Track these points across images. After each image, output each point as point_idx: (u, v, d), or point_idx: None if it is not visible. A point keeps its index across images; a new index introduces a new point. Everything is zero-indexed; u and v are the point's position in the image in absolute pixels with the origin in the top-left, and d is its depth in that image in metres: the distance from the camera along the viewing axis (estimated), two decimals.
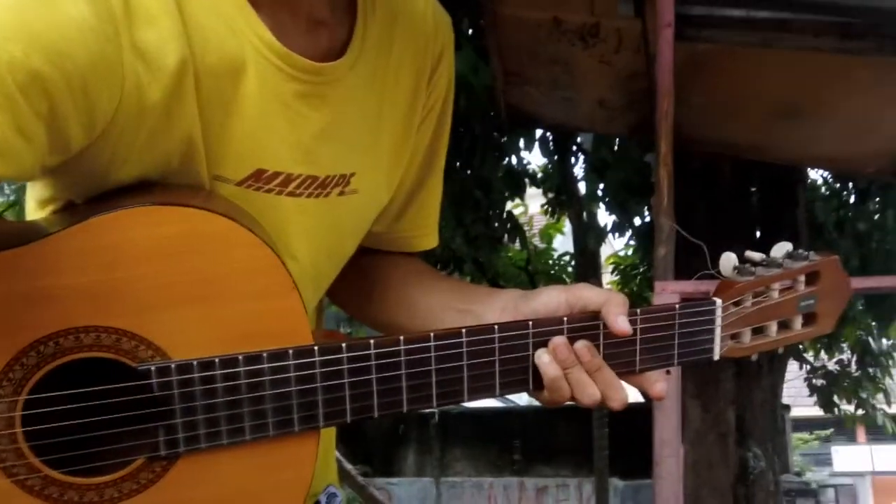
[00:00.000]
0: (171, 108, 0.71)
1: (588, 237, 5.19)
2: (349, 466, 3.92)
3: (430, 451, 6.81)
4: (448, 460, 6.85)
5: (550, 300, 0.85)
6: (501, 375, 0.82)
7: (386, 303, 0.97)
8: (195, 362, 0.70)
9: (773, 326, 0.88)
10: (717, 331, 0.86)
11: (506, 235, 5.30)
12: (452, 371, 0.80)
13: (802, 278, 0.88)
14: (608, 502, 5.45)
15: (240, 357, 0.72)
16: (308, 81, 0.79)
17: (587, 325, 0.83)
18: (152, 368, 0.69)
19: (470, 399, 0.82)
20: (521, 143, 4.85)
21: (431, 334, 0.79)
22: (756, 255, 0.88)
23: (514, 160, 5.07)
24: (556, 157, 5.09)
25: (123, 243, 0.67)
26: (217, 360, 0.71)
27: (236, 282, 0.71)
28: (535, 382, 0.82)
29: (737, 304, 0.85)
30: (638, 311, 0.83)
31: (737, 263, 0.87)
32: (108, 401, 0.68)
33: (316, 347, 0.74)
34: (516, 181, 5.02)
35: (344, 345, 0.76)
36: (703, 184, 3.98)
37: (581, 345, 0.81)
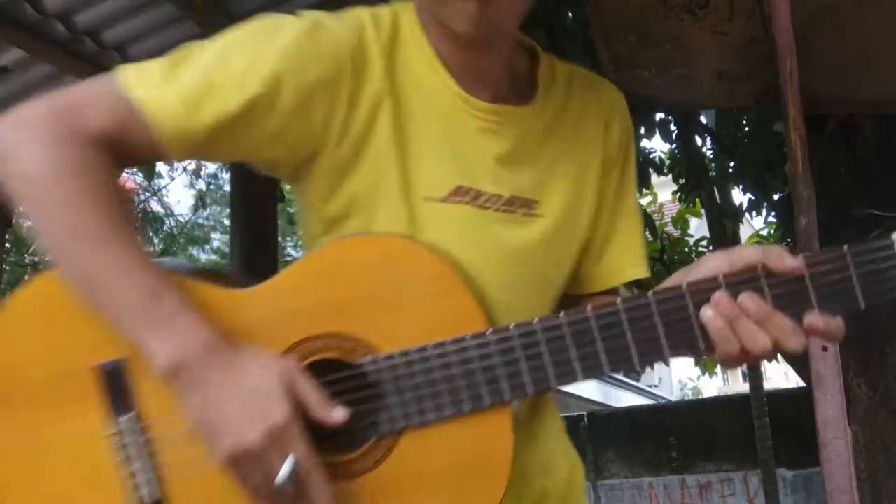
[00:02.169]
0: (368, 138, 0.93)
1: (724, 219, 5.00)
2: None
3: (583, 454, 6.69)
4: (602, 462, 6.73)
5: (714, 266, 0.86)
6: (668, 337, 0.84)
7: None
8: (397, 353, 0.84)
9: None
10: None
11: None
12: (617, 338, 0.84)
13: None
14: (777, 494, 5.18)
15: (429, 346, 0.86)
16: (486, 119, 0.98)
17: (746, 277, 0.82)
18: (366, 360, 0.86)
19: (641, 365, 0.86)
20: (642, 130, 4.75)
21: (589, 307, 0.85)
22: None
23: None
24: (679, 141, 4.95)
25: (337, 267, 0.88)
26: (417, 349, 0.86)
27: (420, 287, 0.87)
28: (705, 342, 0.83)
29: None
30: (802, 255, 0.82)
31: None
32: (341, 392, 0.85)
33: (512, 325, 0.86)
34: (639, 171, 4.90)
35: (512, 325, 0.85)
36: (843, 146, 3.75)
37: (745, 297, 0.82)
